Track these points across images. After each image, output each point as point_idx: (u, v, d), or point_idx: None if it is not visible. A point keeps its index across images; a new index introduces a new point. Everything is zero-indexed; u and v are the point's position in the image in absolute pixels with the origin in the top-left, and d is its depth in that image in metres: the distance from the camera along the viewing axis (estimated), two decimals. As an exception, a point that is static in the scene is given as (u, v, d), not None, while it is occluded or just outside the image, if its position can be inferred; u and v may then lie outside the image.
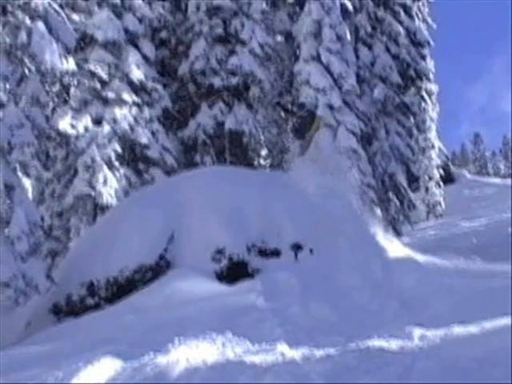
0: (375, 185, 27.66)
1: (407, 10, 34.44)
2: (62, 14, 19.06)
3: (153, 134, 27.08)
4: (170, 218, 17.90)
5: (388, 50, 32.97)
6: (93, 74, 26.26)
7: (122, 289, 16.66)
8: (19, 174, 18.37)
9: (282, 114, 32.40)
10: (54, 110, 26.63)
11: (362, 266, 16.44)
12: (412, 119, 34.80)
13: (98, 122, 26.05)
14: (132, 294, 16.31)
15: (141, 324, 13.48)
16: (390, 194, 32.49)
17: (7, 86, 17.74)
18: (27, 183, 27.62)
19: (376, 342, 10.02)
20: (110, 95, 26.26)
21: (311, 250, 17.49)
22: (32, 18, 17.92)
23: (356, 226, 18.87)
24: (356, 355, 9.26)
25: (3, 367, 11.55)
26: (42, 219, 18.02)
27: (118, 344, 11.54)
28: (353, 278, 15.72)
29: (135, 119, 26.67)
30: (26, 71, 18.82)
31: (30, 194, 28.22)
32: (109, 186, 25.38)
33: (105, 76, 26.38)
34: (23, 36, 17.75)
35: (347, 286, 15.32)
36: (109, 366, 9.66)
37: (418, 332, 10.47)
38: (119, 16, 27.27)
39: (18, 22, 17.89)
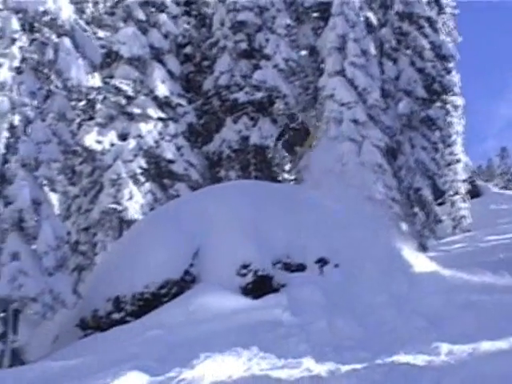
0: (400, 199, 27.57)
1: (432, 23, 34.39)
2: (88, 31, 19.35)
3: (178, 149, 27.29)
4: (195, 233, 17.94)
5: (413, 63, 32.94)
6: (118, 90, 26.55)
7: (147, 304, 16.71)
8: (46, 189, 18.58)
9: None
10: (79, 125, 26.94)
11: (387, 281, 16.37)
12: (437, 133, 34.72)
13: (123, 137, 26.32)
14: (158, 308, 16.38)
15: (166, 339, 13.52)
16: (416, 209, 32.37)
17: (34, 102, 17.98)
18: (54, 198, 27.85)
19: (402, 358, 9.98)
20: (136, 111, 26.53)
21: (336, 265, 17.46)
22: (59, 35, 18.20)
23: (381, 240, 18.80)
24: (382, 370, 9.23)
25: (30, 382, 11.67)
26: (69, 234, 18.19)
27: (144, 359, 11.60)
28: (378, 294, 15.65)
29: (160, 134, 26.91)
30: (53, 87, 19.09)
31: (56, 210, 28.47)
32: (134, 200, 25.57)
33: (130, 92, 26.65)
34: (50, 53, 18.06)
35: (373, 301, 15.27)
36: (135, 380, 9.72)
37: (445, 348, 10.41)
38: (144, 32, 27.59)
39: (45, 39, 18.18)
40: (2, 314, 16.75)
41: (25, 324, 18.52)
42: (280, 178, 31.71)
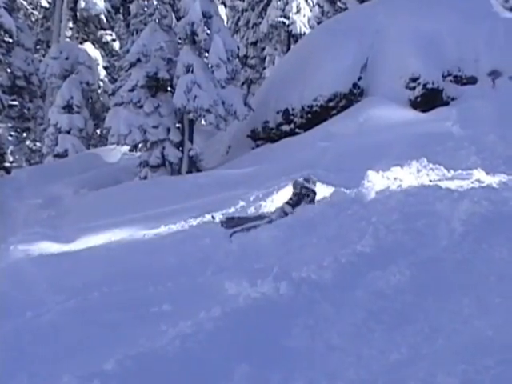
0: None
1: None
2: None
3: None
4: (363, 46, 17.53)
5: None
6: None
7: (316, 116, 16.86)
8: (216, 2, 18.58)
9: None
10: None
11: None
12: None
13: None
14: (326, 121, 16.49)
15: (335, 150, 13.68)
16: None
17: None
18: (222, 13, 27.96)
19: None
20: None
21: (510, 78, 16.56)
22: None
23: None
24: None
25: (208, 185, 12.32)
26: (238, 48, 18.28)
27: (314, 168, 11.83)
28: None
29: None
30: None
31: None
32: (302, 14, 25.19)
33: None
34: None
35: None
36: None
37: None
38: None
39: None
40: (178, 125, 17.48)
41: (200, 134, 19.32)
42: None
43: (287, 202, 9.26)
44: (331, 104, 16.95)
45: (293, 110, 17.38)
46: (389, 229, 6.83)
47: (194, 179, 14.11)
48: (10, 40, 21.66)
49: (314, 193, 9.42)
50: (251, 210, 10.15)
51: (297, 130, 17.13)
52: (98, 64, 25.49)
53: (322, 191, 9.80)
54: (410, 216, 7.26)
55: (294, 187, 9.44)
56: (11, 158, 26.24)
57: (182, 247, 8.33)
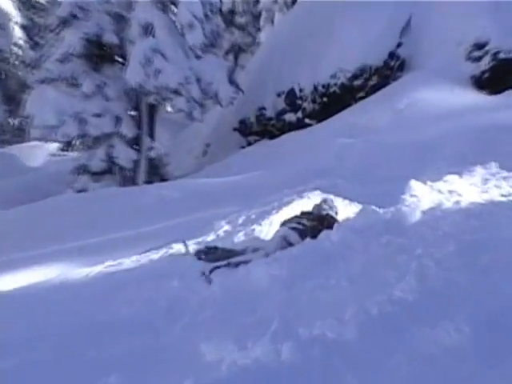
0: None
1: None
2: None
3: None
4: (403, 1, 17.64)
5: None
6: None
7: (334, 100, 16.91)
8: None
9: None
10: None
11: None
12: None
13: None
14: (349, 107, 16.55)
15: (362, 150, 13.72)
16: None
17: None
18: None
19: None
20: None
21: None
22: None
23: None
24: None
25: (175, 200, 12.34)
26: (221, 1, 18.19)
27: (331, 176, 11.89)
28: None
29: None
30: None
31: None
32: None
33: None
34: None
35: None
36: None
37: None
38: None
39: None
40: (133, 112, 17.43)
41: (165, 127, 19.32)
42: None
43: (292, 227, 9.28)
44: (357, 83, 17.03)
45: (301, 91, 17.45)
46: (441, 265, 6.85)
47: (157, 191, 14.13)
48: None
49: (334, 219, 9.46)
50: (240, 238, 10.18)
51: (306, 121, 17.20)
52: (12, 21, 25.54)
53: (343, 210, 9.85)
54: (471, 247, 7.29)
55: (306, 212, 9.52)
56: None
57: (137, 292, 8.33)
